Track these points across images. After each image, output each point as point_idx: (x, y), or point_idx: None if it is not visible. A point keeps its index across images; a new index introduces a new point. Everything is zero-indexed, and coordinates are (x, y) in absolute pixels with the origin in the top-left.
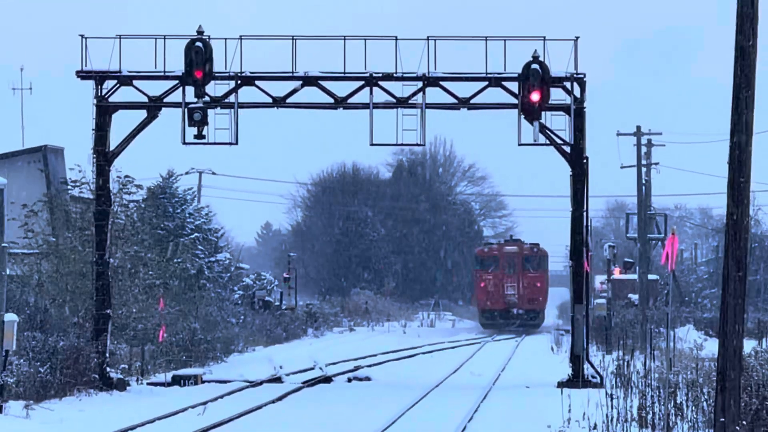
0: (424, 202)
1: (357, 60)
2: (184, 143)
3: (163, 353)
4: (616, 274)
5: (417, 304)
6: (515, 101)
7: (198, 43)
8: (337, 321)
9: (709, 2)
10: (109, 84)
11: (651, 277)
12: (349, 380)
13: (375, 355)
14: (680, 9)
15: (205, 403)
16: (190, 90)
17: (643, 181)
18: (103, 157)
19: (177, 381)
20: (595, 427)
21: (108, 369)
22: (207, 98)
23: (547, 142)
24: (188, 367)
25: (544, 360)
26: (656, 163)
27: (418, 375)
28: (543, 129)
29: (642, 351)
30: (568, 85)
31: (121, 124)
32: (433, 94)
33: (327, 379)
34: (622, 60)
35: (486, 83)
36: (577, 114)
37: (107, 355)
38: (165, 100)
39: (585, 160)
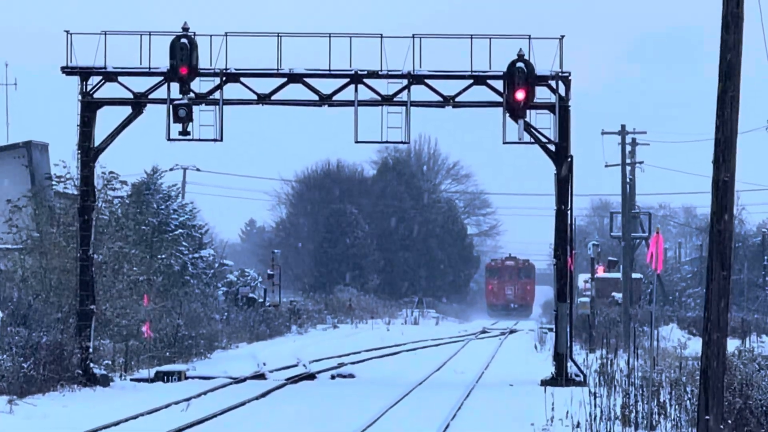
0: (408, 200)
1: (342, 57)
2: (169, 140)
3: (147, 349)
4: (600, 273)
5: (401, 302)
6: (500, 99)
7: (183, 40)
8: (320, 318)
9: (706, 4)
10: (94, 80)
11: (635, 275)
12: (333, 377)
13: (359, 353)
14: (671, 10)
15: (188, 400)
16: (175, 86)
17: (628, 180)
18: (88, 153)
19: (160, 377)
20: (578, 426)
21: (91, 365)
22: (192, 95)
23: (532, 140)
24: (172, 363)
25: (527, 358)
26: (641, 162)
27: (402, 372)
28: (528, 127)
29: (625, 350)
30: (553, 83)
31: (106, 120)
32: (418, 92)
33: (310, 376)
34: (611, 60)
35: (471, 81)
36: (562, 112)
37: (91, 350)
38: (150, 97)
39: (569, 159)
